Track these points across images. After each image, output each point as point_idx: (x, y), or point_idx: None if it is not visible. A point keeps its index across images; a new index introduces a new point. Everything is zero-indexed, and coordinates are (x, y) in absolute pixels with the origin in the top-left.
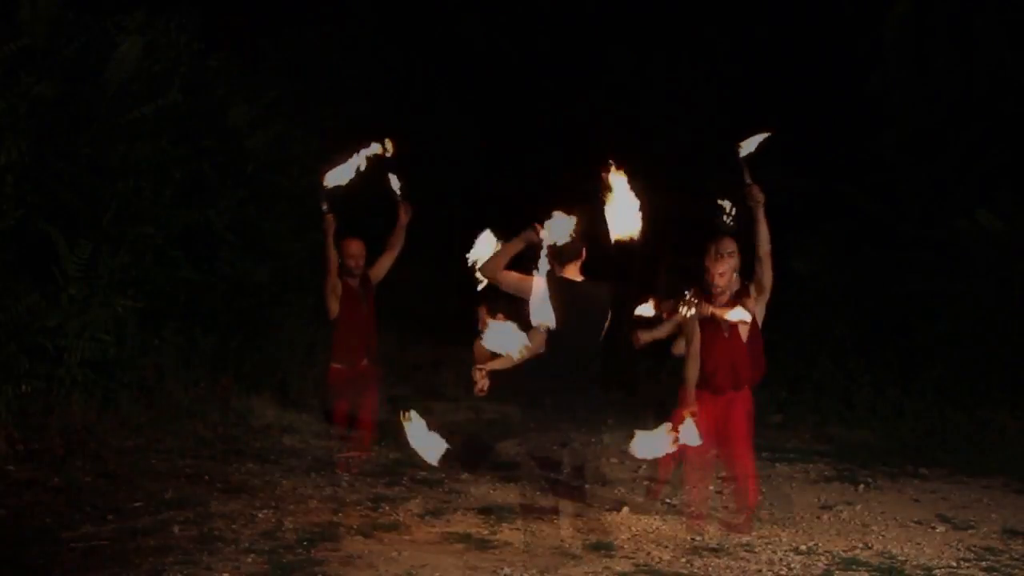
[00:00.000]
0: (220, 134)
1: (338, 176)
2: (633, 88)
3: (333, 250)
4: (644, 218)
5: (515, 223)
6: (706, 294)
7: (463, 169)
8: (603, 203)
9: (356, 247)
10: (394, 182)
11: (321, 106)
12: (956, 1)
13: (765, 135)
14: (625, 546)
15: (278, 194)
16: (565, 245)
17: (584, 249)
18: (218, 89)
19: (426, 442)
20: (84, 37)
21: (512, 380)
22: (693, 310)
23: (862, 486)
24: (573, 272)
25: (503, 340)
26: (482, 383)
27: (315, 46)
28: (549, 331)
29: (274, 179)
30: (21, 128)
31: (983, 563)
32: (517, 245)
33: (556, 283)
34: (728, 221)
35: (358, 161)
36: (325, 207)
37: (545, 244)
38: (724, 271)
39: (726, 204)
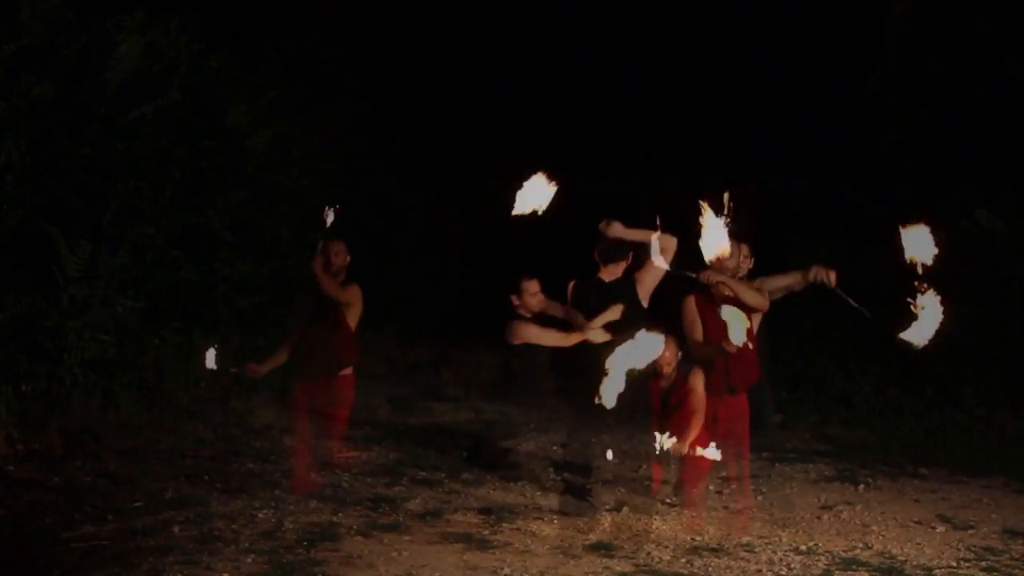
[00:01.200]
0: (220, 134)
1: None
2: (632, 89)
3: None
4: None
5: (515, 221)
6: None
7: (462, 169)
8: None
9: (335, 246)
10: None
11: (321, 106)
12: (956, 1)
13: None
14: (625, 546)
15: (278, 194)
16: (608, 247)
17: (631, 254)
18: (218, 89)
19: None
20: (84, 37)
21: (538, 379)
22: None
23: (862, 486)
24: (612, 272)
25: None
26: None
27: (315, 46)
28: None
29: (274, 179)
30: (21, 128)
31: (983, 563)
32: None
33: (591, 282)
34: (726, 222)
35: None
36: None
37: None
38: (670, 360)
39: (725, 204)
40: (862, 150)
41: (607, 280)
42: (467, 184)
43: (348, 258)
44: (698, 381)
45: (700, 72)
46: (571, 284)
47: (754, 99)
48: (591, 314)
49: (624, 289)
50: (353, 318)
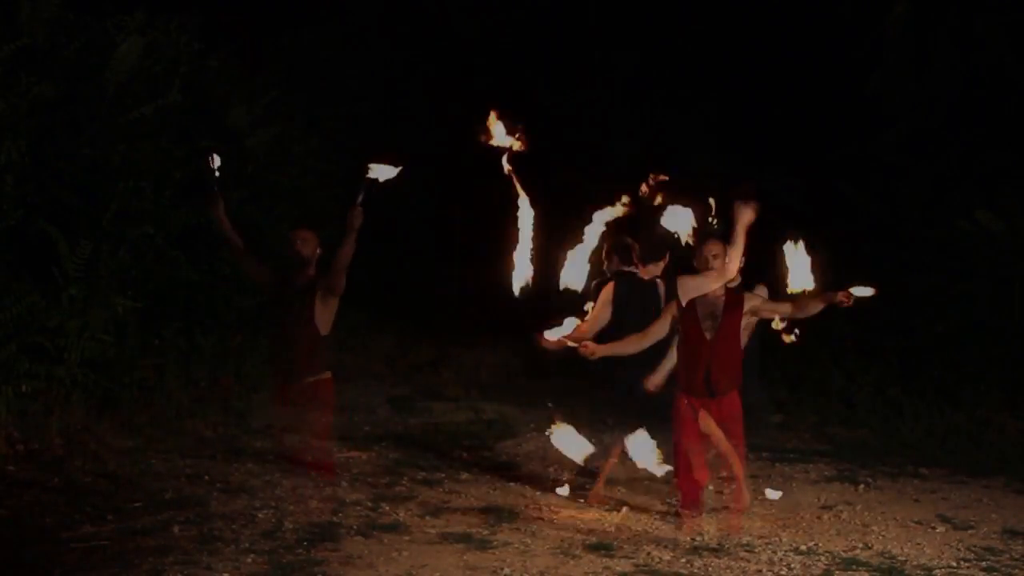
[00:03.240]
0: (220, 134)
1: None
2: (632, 88)
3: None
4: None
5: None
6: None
7: (463, 169)
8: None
9: (301, 234)
10: (382, 171)
11: (321, 106)
12: (956, 1)
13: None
14: (625, 546)
15: (278, 194)
16: (653, 246)
17: (668, 253)
18: (218, 89)
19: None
20: (84, 37)
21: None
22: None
23: (862, 486)
24: (651, 272)
25: None
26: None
27: (315, 46)
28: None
29: (274, 179)
30: (21, 128)
31: (983, 563)
32: None
33: (630, 281)
34: (713, 223)
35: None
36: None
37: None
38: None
39: (711, 205)
40: (862, 150)
41: (646, 279)
42: (467, 183)
43: (319, 250)
44: (709, 423)
45: (700, 71)
46: (609, 284)
47: (754, 99)
48: (632, 312)
49: (657, 289)
50: (326, 321)
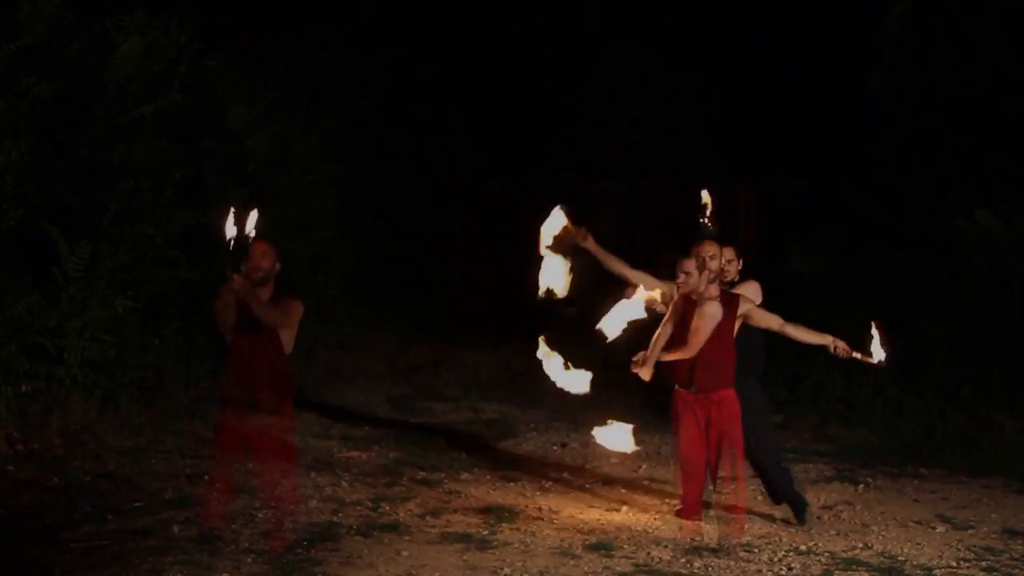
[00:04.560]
0: (220, 134)
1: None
2: (632, 88)
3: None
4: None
5: (514, 223)
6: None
7: (463, 169)
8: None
9: (260, 246)
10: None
11: (321, 106)
12: (956, 1)
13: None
14: (625, 546)
15: (278, 194)
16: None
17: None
18: (218, 89)
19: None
20: (84, 37)
21: None
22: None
23: (862, 486)
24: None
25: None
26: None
27: (315, 46)
28: None
29: (274, 179)
30: (21, 128)
31: (983, 563)
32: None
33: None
34: (708, 224)
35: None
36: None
37: None
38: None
39: (707, 205)
40: (862, 150)
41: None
42: (467, 184)
43: (278, 265)
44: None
45: (700, 72)
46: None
47: (754, 99)
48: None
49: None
50: (289, 338)
